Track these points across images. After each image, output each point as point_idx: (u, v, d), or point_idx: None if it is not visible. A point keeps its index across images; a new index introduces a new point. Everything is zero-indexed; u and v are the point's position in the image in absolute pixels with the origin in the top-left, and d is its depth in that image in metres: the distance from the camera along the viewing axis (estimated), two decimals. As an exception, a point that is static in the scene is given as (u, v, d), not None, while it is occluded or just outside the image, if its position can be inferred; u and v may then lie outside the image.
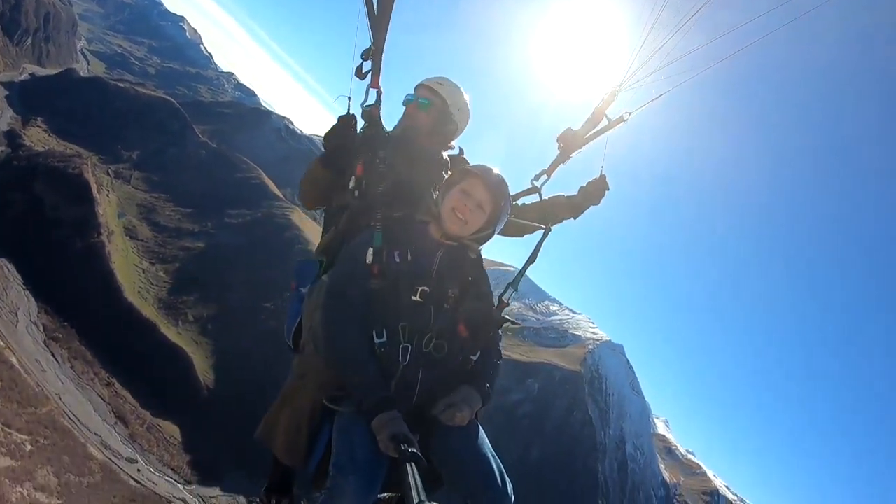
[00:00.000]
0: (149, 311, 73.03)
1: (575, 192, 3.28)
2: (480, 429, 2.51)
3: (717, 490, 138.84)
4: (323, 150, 3.01)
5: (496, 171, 2.68)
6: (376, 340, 2.42)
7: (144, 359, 65.58)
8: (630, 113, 3.09)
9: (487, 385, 2.56)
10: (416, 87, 3.15)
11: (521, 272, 2.91)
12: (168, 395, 64.57)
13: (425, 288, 2.49)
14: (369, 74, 3.06)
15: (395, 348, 2.42)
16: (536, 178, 3.35)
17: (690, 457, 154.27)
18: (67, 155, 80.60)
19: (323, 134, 3.02)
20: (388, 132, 3.12)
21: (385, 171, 2.81)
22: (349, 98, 3.01)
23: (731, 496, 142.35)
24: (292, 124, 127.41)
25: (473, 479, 2.30)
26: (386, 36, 2.96)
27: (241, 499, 60.13)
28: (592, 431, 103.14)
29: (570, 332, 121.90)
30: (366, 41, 3.02)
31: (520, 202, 3.36)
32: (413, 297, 2.47)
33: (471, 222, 2.62)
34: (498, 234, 2.96)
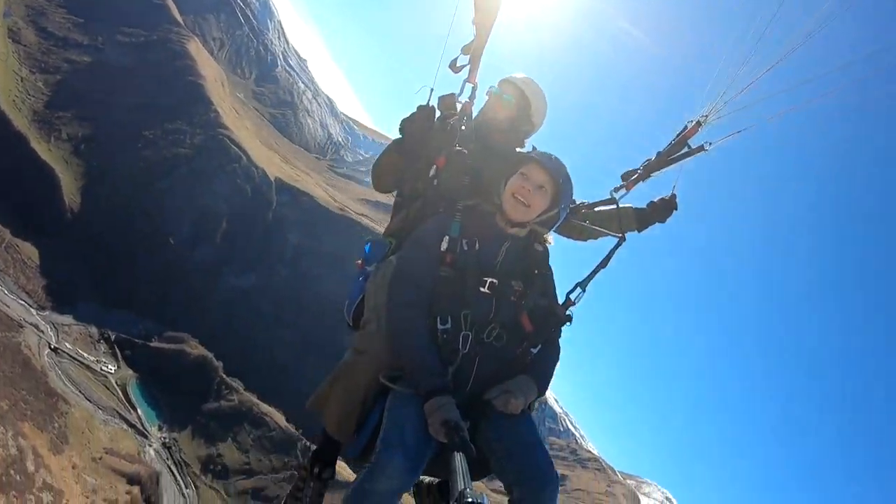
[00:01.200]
0: (21, 122, 70.44)
1: (643, 205, 3.35)
2: (532, 419, 2.52)
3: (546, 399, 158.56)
4: (400, 135, 3.04)
5: (553, 155, 2.71)
6: (439, 326, 2.44)
7: (9, 173, 64.40)
8: (711, 144, 3.09)
9: (544, 378, 2.58)
10: (501, 82, 3.15)
11: (592, 274, 2.87)
12: (30, 215, 64.47)
13: (494, 280, 2.51)
14: (465, 69, 3.11)
15: (456, 336, 2.44)
16: (616, 190, 3.32)
17: None
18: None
19: (401, 120, 3.03)
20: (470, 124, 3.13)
21: (468, 164, 2.86)
22: (431, 90, 3.02)
23: (556, 408, 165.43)
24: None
25: (520, 469, 2.27)
26: (489, 35, 3.01)
27: (94, 329, 64.23)
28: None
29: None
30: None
31: (596, 210, 3.41)
32: (481, 289, 2.50)
33: (534, 205, 2.61)
34: (570, 236, 3.34)
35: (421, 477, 2.51)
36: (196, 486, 56.18)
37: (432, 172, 2.96)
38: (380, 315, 2.59)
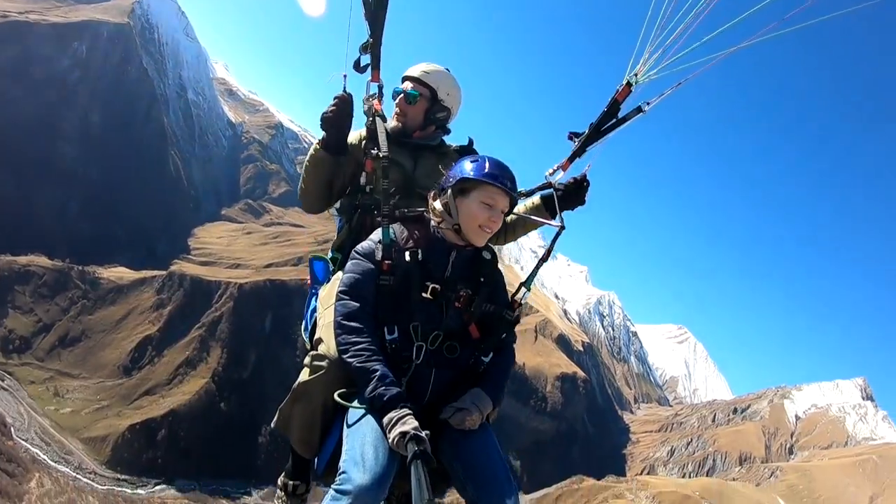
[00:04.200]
0: None
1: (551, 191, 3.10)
2: (490, 431, 2.50)
3: (281, 123, 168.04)
4: (322, 131, 2.89)
5: (506, 167, 2.59)
6: (387, 337, 2.43)
7: None
8: (649, 104, 2.82)
9: (498, 388, 2.57)
10: (403, 79, 3.10)
11: (535, 270, 2.80)
12: None
13: (435, 286, 2.48)
14: (368, 68, 3.03)
15: (407, 346, 2.44)
16: (551, 173, 3.09)
17: (253, 96, 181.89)
18: None
19: (321, 115, 2.87)
20: (386, 126, 3.01)
21: (390, 167, 2.78)
22: (345, 76, 2.91)
23: (294, 127, 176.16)
24: None
25: (481, 482, 2.27)
26: (383, 29, 2.96)
27: None
28: (151, 84, 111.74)
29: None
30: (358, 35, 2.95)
31: (532, 197, 3.20)
32: (423, 294, 2.46)
33: (493, 230, 2.59)
34: (496, 242, 3.13)
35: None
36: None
37: (363, 180, 2.94)
38: (329, 333, 2.54)
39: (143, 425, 61.73)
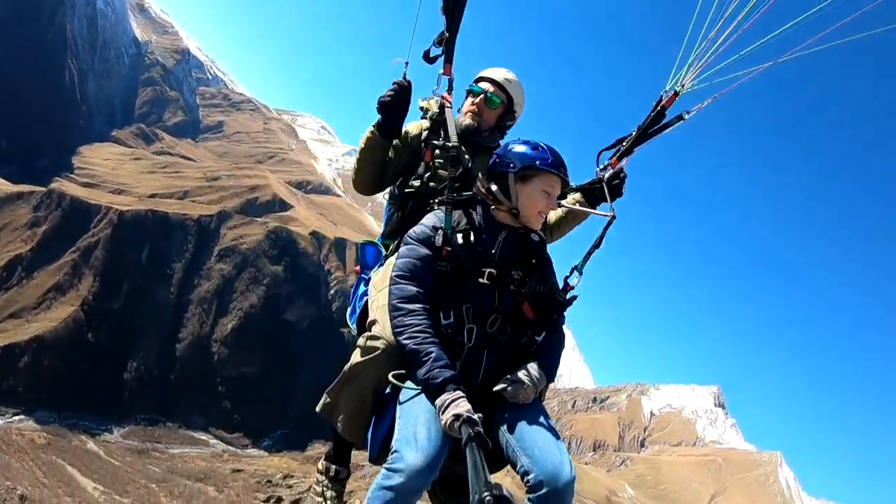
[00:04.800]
0: None
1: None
2: (543, 408, 2.52)
3: (189, 49, 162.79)
4: (379, 114, 2.93)
5: (561, 156, 2.65)
6: (443, 321, 2.45)
7: None
8: (689, 112, 2.96)
9: (552, 365, 2.59)
10: (483, 80, 3.15)
11: (588, 256, 2.81)
12: None
13: (492, 270, 2.52)
14: (439, 60, 3.05)
15: (460, 329, 2.46)
16: (602, 169, 3.18)
17: (165, 16, 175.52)
18: None
19: (378, 99, 2.91)
20: (455, 119, 3.06)
21: (454, 159, 2.80)
22: (406, 63, 2.93)
23: (201, 56, 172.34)
24: None
25: (533, 456, 2.23)
26: (460, 24, 2.99)
27: None
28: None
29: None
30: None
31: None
32: (480, 280, 2.50)
33: (547, 214, 2.70)
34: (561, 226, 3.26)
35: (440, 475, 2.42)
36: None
37: (421, 169, 3.02)
38: (384, 315, 2.57)
39: (5, 350, 58.74)
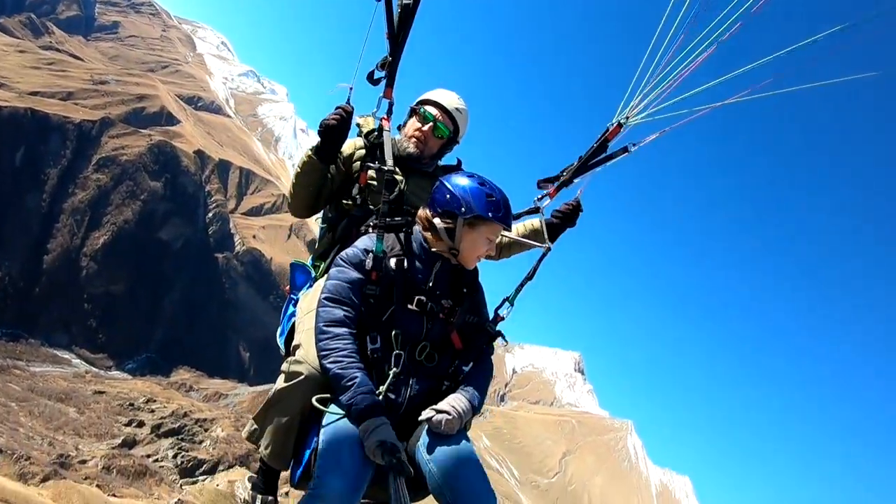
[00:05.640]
0: None
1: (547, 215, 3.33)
2: (468, 437, 2.47)
3: None
4: (319, 137, 2.88)
5: (508, 202, 2.64)
6: (369, 346, 2.44)
7: None
8: (635, 145, 3.01)
9: (478, 395, 2.54)
10: (431, 103, 3.13)
11: (520, 288, 2.86)
12: None
13: (421, 297, 2.51)
14: (381, 83, 3.06)
15: (387, 355, 2.44)
16: (539, 199, 3.28)
17: None
18: None
19: (321, 122, 2.88)
20: (393, 140, 3.09)
21: (389, 183, 2.79)
22: (350, 88, 2.91)
23: None
24: None
25: (456, 488, 2.22)
26: (403, 49, 3.00)
27: None
28: None
29: None
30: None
31: (522, 220, 3.39)
32: (409, 306, 2.49)
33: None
34: (489, 257, 3.19)
35: (363, 500, 2.36)
36: None
37: (355, 190, 2.99)
38: (309, 339, 2.50)
39: None
